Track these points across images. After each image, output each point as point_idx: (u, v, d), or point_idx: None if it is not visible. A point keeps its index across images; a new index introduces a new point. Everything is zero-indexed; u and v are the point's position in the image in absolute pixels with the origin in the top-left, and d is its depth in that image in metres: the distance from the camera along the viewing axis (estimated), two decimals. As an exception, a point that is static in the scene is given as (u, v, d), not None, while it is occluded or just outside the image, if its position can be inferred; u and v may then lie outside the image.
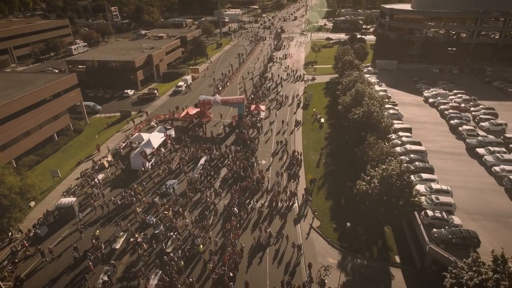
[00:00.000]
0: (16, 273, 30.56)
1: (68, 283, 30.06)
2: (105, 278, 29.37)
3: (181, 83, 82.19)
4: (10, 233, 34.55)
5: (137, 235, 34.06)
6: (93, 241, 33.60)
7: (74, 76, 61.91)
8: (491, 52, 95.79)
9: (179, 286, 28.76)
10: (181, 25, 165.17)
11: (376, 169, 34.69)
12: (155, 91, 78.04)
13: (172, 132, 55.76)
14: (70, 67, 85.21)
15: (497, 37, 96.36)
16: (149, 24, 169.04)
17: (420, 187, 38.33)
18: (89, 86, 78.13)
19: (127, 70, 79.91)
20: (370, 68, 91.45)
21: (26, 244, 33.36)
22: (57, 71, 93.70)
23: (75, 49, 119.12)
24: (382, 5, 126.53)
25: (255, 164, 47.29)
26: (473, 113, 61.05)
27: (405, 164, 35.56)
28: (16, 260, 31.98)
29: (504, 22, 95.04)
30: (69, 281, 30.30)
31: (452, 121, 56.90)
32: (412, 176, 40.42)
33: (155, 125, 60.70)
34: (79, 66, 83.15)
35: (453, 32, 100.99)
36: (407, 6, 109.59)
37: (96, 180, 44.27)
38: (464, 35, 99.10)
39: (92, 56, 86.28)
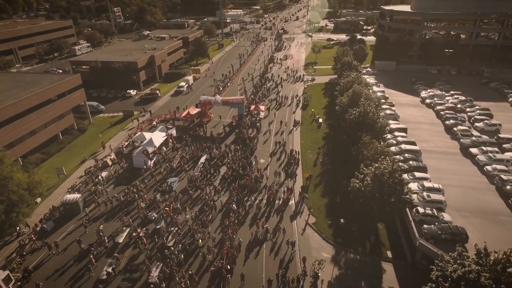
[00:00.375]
0: (24, 265, 32.19)
1: (74, 275, 31.58)
2: (109, 270, 30.84)
3: (182, 84, 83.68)
4: (18, 228, 36.09)
5: (139, 230, 35.52)
6: (101, 233, 35.12)
7: (78, 77, 63.47)
8: (489, 53, 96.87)
9: (178, 278, 30.05)
10: (183, 25, 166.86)
11: (370, 167, 36.01)
12: (157, 91, 79.58)
13: (173, 132, 57.18)
14: (74, 67, 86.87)
15: (496, 39, 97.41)
16: (152, 24, 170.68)
17: (413, 185, 39.58)
18: (92, 86, 79.63)
19: (130, 70, 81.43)
20: (369, 69, 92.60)
21: (34, 238, 34.93)
22: (61, 71, 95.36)
23: (78, 49, 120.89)
24: (382, 6, 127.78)
25: (253, 162, 48.64)
26: (468, 113, 62.18)
27: (398, 163, 36.89)
28: (24, 253, 33.52)
29: (502, 23, 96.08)
30: (74, 272, 31.81)
31: (447, 122, 58.06)
32: (405, 175, 41.92)
33: (157, 124, 62.16)
34: (83, 67, 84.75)
35: (454, 33, 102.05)
36: (407, 8, 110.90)
37: (99, 177, 45.75)
38: (464, 36, 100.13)
39: (96, 56, 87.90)
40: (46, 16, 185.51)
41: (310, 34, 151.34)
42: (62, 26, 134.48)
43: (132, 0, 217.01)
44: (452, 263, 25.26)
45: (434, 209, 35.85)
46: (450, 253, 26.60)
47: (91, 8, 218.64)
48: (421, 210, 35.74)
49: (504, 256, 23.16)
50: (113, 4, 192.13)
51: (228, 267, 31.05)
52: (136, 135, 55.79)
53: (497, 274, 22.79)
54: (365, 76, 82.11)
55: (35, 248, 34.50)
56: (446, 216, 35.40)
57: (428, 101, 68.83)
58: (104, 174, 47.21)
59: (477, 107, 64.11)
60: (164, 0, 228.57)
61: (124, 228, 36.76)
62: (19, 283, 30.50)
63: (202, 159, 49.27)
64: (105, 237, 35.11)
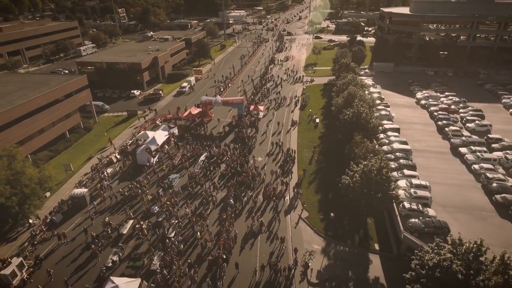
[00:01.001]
0: (36, 253, 34.80)
1: (82, 263, 34.11)
2: (114, 258, 33.31)
3: (185, 84, 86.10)
4: (30, 220, 38.66)
5: (142, 222, 37.94)
6: (111, 222, 37.94)
7: (84, 78, 66.03)
8: (486, 55, 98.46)
9: (176, 266, 32.32)
10: (186, 26, 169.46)
11: (359, 165, 38.15)
12: (160, 92, 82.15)
13: (175, 131, 59.53)
14: (80, 68, 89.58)
15: (494, 40, 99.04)
16: (155, 25, 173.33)
17: (402, 182, 41.77)
18: (97, 86, 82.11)
19: (134, 71, 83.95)
20: (367, 70, 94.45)
21: (44, 229, 37.53)
22: (67, 71, 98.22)
23: (83, 50, 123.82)
24: (382, 8, 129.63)
25: (251, 160, 50.88)
26: (461, 114, 63.99)
27: (387, 161, 38.93)
28: (35, 242, 36.13)
29: (499, 26, 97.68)
30: (82, 261, 34.35)
31: (439, 122, 59.96)
32: (394, 172, 44.15)
33: (160, 123, 64.60)
34: (88, 67, 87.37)
35: (454, 35, 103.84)
36: (406, 10, 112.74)
37: (105, 173, 48.23)
38: (463, 38, 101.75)
39: (101, 57, 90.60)
40: (51, 17, 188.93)
41: (320, 35, 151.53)
42: (68, 27, 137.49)
43: (136, 1, 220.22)
44: (430, 253, 27.42)
45: (419, 205, 37.92)
46: (429, 244, 28.79)
47: (95, 8, 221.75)
48: (407, 205, 37.82)
49: (475, 245, 25.32)
50: (118, 5, 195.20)
51: (224, 256, 33.35)
52: (140, 133, 58.23)
53: (468, 261, 24.93)
54: (363, 77, 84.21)
55: (45, 238, 37.05)
56: (430, 211, 37.47)
57: (423, 102, 70.68)
58: (109, 170, 49.70)
59: (470, 108, 65.95)
60: (168, 1, 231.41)
61: (128, 220, 39.16)
62: (31, 269, 33.09)
63: (202, 157, 51.57)
64: (109, 229, 37.54)
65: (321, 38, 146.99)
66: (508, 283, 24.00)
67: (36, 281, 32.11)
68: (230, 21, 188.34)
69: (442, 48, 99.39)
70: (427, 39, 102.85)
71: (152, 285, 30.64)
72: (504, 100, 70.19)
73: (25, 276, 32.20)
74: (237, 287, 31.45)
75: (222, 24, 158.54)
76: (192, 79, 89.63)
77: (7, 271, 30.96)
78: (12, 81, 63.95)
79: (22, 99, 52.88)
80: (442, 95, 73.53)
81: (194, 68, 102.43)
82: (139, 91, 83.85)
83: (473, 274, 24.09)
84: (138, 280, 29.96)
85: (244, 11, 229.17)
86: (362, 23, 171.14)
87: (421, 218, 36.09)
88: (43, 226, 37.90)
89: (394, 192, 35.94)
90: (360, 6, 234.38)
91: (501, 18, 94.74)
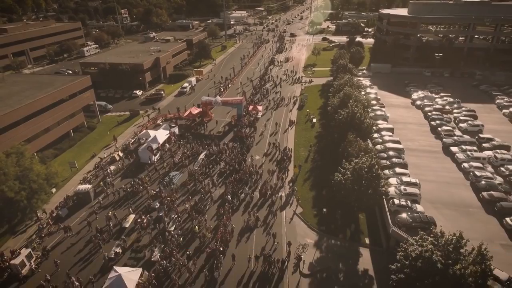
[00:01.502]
0: (43, 245, 36.79)
1: (87, 254, 36.05)
2: (117, 250, 35.21)
3: (186, 85, 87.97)
4: (38, 214, 40.65)
5: (143, 217, 39.82)
6: (115, 215, 40.02)
7: (88, 78, 67.97)
8: (483, 56, 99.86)
9: (174, 258, 34.15)
10: (188, 27, 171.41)
11: (351, 163, 39.89)
12: (162, 92, 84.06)
13: (176, 130, 61.39)
14: (83, 68, 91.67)
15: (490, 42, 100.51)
16: (158, 26, 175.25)
17: (393, 180, 43.52)
18: (100, 86, 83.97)
19: (136, 72, 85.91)
20: (365, 71, 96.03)
21: (50, 222, 39.57)
22: (71, 72, 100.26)
23: (87, 51, 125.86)
24: (380, 10, 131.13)
25: (248, 159, 52.67)
26: (454, 114, 65.55)
27: (377, 159, 40.64)
28: (43, 235, 38.15)
29: (495, 27, 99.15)
30: (87, 252, 36.29)
31: (433, 122, 61.57)
32: (386, 170, 45.92)
33: (161, 123, 66.47)
34: (91, 68, 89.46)
35: (452, 36, 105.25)
36: (405, 11, 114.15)
37: (108, 171, 50.15)
38: (462, 39, 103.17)
39: (104, 58, 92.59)
40: (55, 17, 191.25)
41: (326, 37, 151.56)
42: (71, 28, 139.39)
43: (139, 2, 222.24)
44: (414, 245, 29.16)
45: (408, 201, 39.63)
46: (413, 237, 30.52)
47: (98, 9, 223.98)
48: (396, 201, 39.53)
49: (454, 237, 27.06)
50: (120, 5, 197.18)
51: (221, 249, 35.20)
52: (142, 132, 60.18)
53: (448, 252, 26.67)
54: (361, 78, 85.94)
55: (52, 231, 39.04)
56: (419, 207, 39.22)
57: (418, 102, 72.26)
58: (112, 168, 51.59)
59: (463, 108, 67.50)
60: (170, 2, 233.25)
61: (130, 215, 41.03)
62: (39, 259, 35.08)
63: (202, 155, 53.42)
64: (110, 223, 39.45)
65: (328, 39, 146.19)
66: (484, 272, 25.80)
67: (44, 270, 34.00)
68: (231, 22, 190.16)
69: (440, 49, 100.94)
70: (425, 40, 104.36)
71: (152, 274, 32.47)
72: (497, 101, 71.73)
73: (34, 266, 34.15)
74: (233, 277, 33.28)
75: (223, 25, 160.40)
76: (193, 79, 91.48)
77: (16, 261, 32.96)
78: (18, 81, 65.96)
79: (28, 99, 54.79)
80: (437, 96, 75.10)
81: (195, 69, 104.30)
82: (141, 91, 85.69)
83: (451, 264, 25.80)
84: (140, 270, 31.84)
85: (245, 11, 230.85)
86: (362, 24, 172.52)
87: (409, 213, 37.81)
88: (50, 220, 39.94)
89: (383, 188, 37.62)
90: (360, 7, 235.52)
91: (497, 19, 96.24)
